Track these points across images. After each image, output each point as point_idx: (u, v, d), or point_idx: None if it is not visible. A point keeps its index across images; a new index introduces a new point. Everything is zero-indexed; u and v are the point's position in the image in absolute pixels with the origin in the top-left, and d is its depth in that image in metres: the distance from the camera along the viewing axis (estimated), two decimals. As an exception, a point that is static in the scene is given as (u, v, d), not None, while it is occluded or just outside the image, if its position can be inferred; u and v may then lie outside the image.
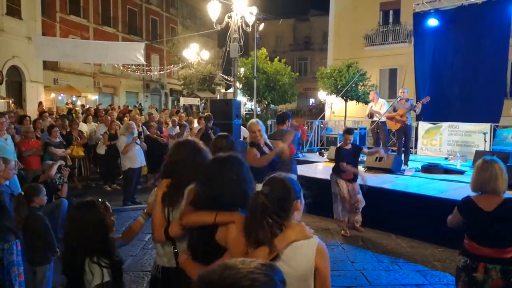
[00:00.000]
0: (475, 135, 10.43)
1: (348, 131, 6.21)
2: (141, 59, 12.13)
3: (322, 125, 14.05)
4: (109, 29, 28.19)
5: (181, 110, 20.67)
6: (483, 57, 10.96)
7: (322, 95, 21.43)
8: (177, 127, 10.17)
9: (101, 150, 9.03)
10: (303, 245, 1.78)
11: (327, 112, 19.33)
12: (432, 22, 11.64)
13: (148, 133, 9.34)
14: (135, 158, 7.67)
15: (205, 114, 9.81)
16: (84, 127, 10.11)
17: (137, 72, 25.96)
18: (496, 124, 10.26)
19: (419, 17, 12.11)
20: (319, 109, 25.23)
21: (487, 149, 9.75)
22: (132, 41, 28.03)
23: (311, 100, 39.79)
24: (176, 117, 11.90)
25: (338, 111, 19.44)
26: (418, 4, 12.21)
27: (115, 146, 8.12)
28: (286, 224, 1.82)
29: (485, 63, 10.93)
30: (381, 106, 9.38)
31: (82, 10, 26.28)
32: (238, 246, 1.87)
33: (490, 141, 10.14)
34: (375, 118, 9.35)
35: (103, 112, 11.99)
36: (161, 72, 28.01)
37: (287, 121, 5.61)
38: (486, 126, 10.21)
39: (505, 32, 10.71)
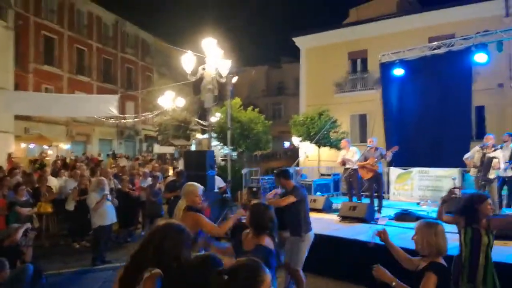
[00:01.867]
0: (445, 179, 10.69)
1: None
2: (115, 111, 12.11)
3: (297, 172, 14.14)
4: (83, 78, 28.22)
5: (155, 158, 20.49)
6: (447, 104, 11.42)
7: (296, 140, 21.76)
8: (149, 179, 10.04)
9: (70, 206, 8.76)
10: None
11: (301, 158, 19.53)
12: (398, 72, 12.19)
13: (119, 186, 9.17)
14: (106, 215, 7.46)
15: (178, 169, 9.77)
16: (53, 181, 9.86)
17: (111, 120, 25.85)
18: (464, 168, 10.56)
19: (385, 67, 12.66)
20: (295, 151, 25.56)
21: (458, 194, 9.99)
22: (106, 89, 28.15)
23: (286, 144, 40.28)
24: (149, 167, 11.77)
25: (312, 155, 19.70)
26: (384, 55, 12.81)
27: (85, 201, 7.90)
28: None
29: (450, 109, 11.38)
30: (353, 154, 9.60)
31: (56, 60, 26.32)
32: None
33: (460, 186, 10.41)
34: (347, 166, 9.52)
35: (73, 164, 11.75)
36: (136, 119, 27.98)
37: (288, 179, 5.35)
38: (455, 171, 10.50)
39: (467, 79, 11.25)
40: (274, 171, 6.00)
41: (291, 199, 5.08)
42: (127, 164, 13.41)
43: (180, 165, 11.75)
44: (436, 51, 11.68)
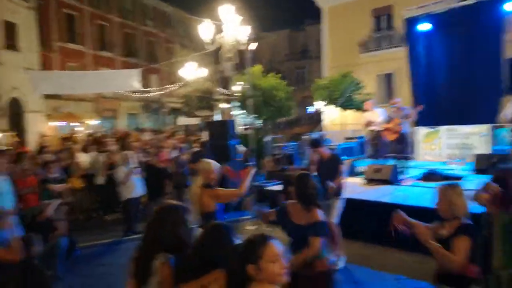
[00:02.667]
0: (474, 136, 10.37)
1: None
2: (138, 86, 12.22)
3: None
4: (106, 53, 28.49)
5: (181, 130, 20.72)
6: (477, 57, 10.90)
7: (319, 104, 21.44)
8: (175, 150, 10.19)
9: (100, 180, 9.06)
10: None
11: (326, 122, 19.31)
12: (424, 26, 11.65)
13: (147, 159, 9.36)
14: (134, 187, 7.69)
15: (201, 140, 9.85)
16: (83, 157, 10.15)
17: (136, 94, 26.15)
18: (495, 125, 10.17)
19: (411, 23, 12.11)
20: (319, 116, 25.26)
21: (487, 151, 9.69)
22: (130, 63, 28.33)
23: (310, 108, 39.80)
24: (174, 140, 11.93)
25: (336, 119, 19.42)
26: (408, 10, 12.24)
27: (114, 175, 8.14)
28: None
29: (479, 63, 10.86)
30: (377, 116, 9.40)
31: (79, 37, 26.59)
32: None
33: (490, 143, 10.08)
34: (372, 127, 9.36)
35: (101, 140, 12.04)
36: (160, 92, 28.21)
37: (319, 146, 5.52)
38: (484, 127, 10.14)
39: (497, 30, 10.66)
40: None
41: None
42: (151, 138, 13.60)
43: (204, 136, 11.83)
44: (464, 2, 11.03)
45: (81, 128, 22.89)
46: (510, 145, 8.17)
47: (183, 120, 27.79)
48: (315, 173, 4.91)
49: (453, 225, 2.78)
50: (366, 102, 10.55)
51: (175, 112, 34.51)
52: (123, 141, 12.33)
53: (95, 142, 12.17)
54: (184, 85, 26.59)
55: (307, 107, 37.88)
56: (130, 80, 12.28)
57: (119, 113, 29.68)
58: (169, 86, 27.87)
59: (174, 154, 10.18)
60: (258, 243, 1.85)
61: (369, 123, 9.39)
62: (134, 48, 31.40)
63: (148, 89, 25.87)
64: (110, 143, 10.92)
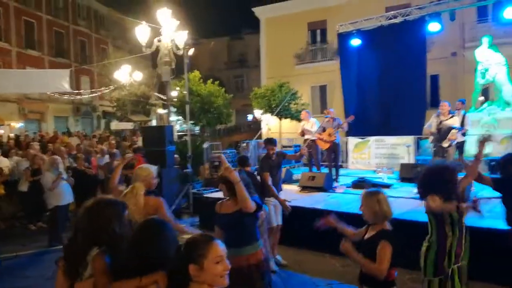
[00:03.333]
0: (399, 147, 11.07)
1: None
2: (67, 87, 11.55)
3: (258, 144, 14.19)
4: (34, 52, 26.70)
5: (113, 135, 19.95)
6: (403, 73, 11.69)
7: (257, 113, 21.78)
8: (107, 156, 9.79)
9: (24, 187, 8.44)
10: None
11: (264, 130, 19.62)
12: (355, 42, 12.31)
13: (75, 165, 8.89)
14: (62, 194, 7.25)
15: (136, 145, 9.55)
16: (4, 162, 9.42)
17: (66, 96, 24.77)
18: (419, 136, 10.95)
19: (343, 38, 12.75)
20: (258, 124, 25.64)
21: (411, 161, 10.40)
22: (59, 64, 26.81)
23: (250, 116, 40.23)
24: (106, 145, 11.45)
25: (274, 127, 19.82)
26: (341, 25, 12.86)
27: (38, 182, 7.64)
28: None
29: (405, 78, 11.66)
30: (312, 125, 9.72)
31: (2, 33, 24.71)
32: None
33: (414, 153, 10.83)
34: (307, 137, 9.65)
35: (25, 144, 11.24)
36: (92, 95, 26.94)
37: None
38: (409, 139, 10.87)
39: (422, 48, 11.57)
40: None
41: None
42: (80, 142, 12.94)
43: (140, 141, 11.49)
44: (392, 21, 11.83)
45: (2, 131, 21.18)
46: (434, 156, 8.82)
47: (116, 125, 26.74)
48: None
49: (375, 229, 2.98)
50: (302, 112, 10.87)
51: (108, 116, 33.14)
52: (49, 145, 11.63)
53: (18, 146, 11.36)
54: (118, 88, 25.69)
55: (246, 115, 38.23)
56: (58, 81, 11.59)
57: (46, 116, 27.85)
58: (102, 88, 26.76)
59: (106, 160, 9.77)
60: (202, 242, 1.80)
61: (304, 132, 9.68)
62: (64, 47, 29.75)
63: (80, 91, 24.66)
64: (35, 147, 10.24)
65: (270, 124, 19.69)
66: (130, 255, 2.05)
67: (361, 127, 11.67)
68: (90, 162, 9.52)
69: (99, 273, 2.08)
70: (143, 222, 2.24)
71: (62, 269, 2.20)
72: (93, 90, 27.77)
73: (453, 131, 7.53)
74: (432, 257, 3.25)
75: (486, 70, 11.65)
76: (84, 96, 26.24)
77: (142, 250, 2.02)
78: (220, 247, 1.80)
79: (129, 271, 2.00)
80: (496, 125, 11.22)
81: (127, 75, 22.70)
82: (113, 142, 11.61)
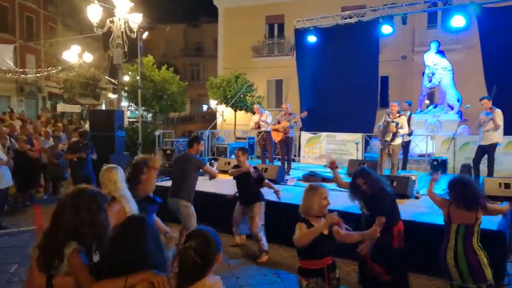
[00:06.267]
0: (349, 144, 11.41)
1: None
2: (10, 63, 10.84)
3: (213, 135, 14.11)
4: (-28, 25, 24.81)
5: (60, 118, 19.02)
6: (357, 72, 12.01)
7: (213, 103, 21.61)
8: (51, 139, 9.31)
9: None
10: None
11: (219, 121, 19.51)
12: (312, 38, 12.49)
13: (16, 146, 8.37)
14: (1, 178, 6.81)
15: (82, 129, 9.16)
16: None
17: (8, 74, 23.24)
18: (368, 134, 11.33)
19: (300, 33, 12.90)
20: (213, 115, 25.39)
21: (360, 157, 10.75)
22: (2, 39, 25.08)
23: (205, 107, 39.79)
24: (51, 128, 10.89)
25: (229, 119, 19.75)
26: (299, 21, 12.99)
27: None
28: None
29: (359, 77, 11.99)
30: (266, 117, 9.79)
31: None
32: None
33: (362, 150, 11.21)
34: (261, 129, 9.70)
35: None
36: (38, 74, 25.49)
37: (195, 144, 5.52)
38: (359, 136, 11.22)
39: (375, 49, 11.93)
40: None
41: None
42: (22, 124, 12.20)
43: (87, 125, 11.03)
44: (347, 20, 12.12)
45: None
46: (381, 152, 9.13)
47: (62, 107, 25.50)
48: None
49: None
50: (254, 105, 10.96)
51: (55, 97, 31.52)
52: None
53: (-49, 124, 10.53)
54: (66, 68, 24.50)
55: (202, 105, 37.78)
56: (1, 56, 10.85)
57: (-15, 94, 26.05)
58: (49, 68, 25.40)
59: (50, 143, 9.29)
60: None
61: (257, 125, 9.73)
62: (8, 22, 27.83)
63: (24, 70, 23.27)
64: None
65: (225, 115, 19.61)
66: (112, 253, 1.96)
67: (314, 122, 11.93)
68: (32, 144, 9.00)
69: (77, 269, 1.98)
70: (125, 219, 2.15)
71: (36, 259, 2.07)
72: (39, 69, 26.33)
73: (392, 124, 7.86)
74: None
75: (433, 74, 12.24)
76: (29, 75, 24.78)
77: (125, 248, 1.93)
78: None
79: (112, 270, 1.90)
80: (440, 126, 11.86)
81: (76, 56, 21.73)
82: (60, 125, 11.02)
